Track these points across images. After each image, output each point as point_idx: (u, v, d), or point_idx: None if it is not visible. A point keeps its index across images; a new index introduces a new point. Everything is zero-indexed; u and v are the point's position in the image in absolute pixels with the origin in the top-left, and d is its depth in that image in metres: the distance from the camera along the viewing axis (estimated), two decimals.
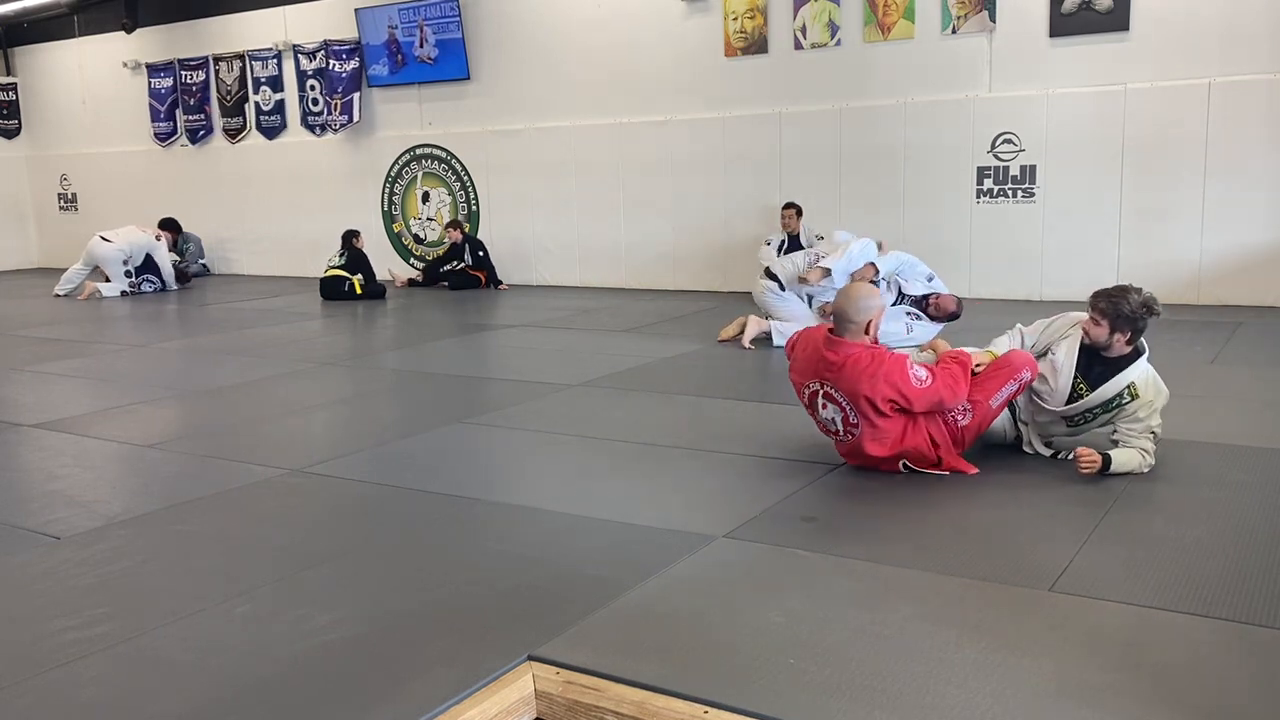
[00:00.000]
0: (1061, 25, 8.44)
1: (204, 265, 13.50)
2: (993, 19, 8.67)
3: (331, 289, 10.57)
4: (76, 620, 3.03)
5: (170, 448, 5.02)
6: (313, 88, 12.45)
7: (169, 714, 2.50)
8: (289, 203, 12.92)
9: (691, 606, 2.98)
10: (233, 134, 13.30)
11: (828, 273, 6.96)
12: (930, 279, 7.00)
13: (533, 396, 5.83)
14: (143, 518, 3.96)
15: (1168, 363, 5.09)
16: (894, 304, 6.92)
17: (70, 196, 15.12)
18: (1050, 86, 8.55)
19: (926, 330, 6.77)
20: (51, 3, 13.64)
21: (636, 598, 3.05)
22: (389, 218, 12.30)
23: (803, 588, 3.09)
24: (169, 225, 12.58)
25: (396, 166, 12.14)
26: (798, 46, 9.53)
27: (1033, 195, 8.71)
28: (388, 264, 11.75)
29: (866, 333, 4.02)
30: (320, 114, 12.45)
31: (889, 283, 6.95)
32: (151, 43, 13.75)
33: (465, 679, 2.59)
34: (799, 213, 9.14)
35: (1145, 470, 4.01)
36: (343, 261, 10.65)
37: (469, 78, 11.35)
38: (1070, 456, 4.22)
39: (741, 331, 7.22)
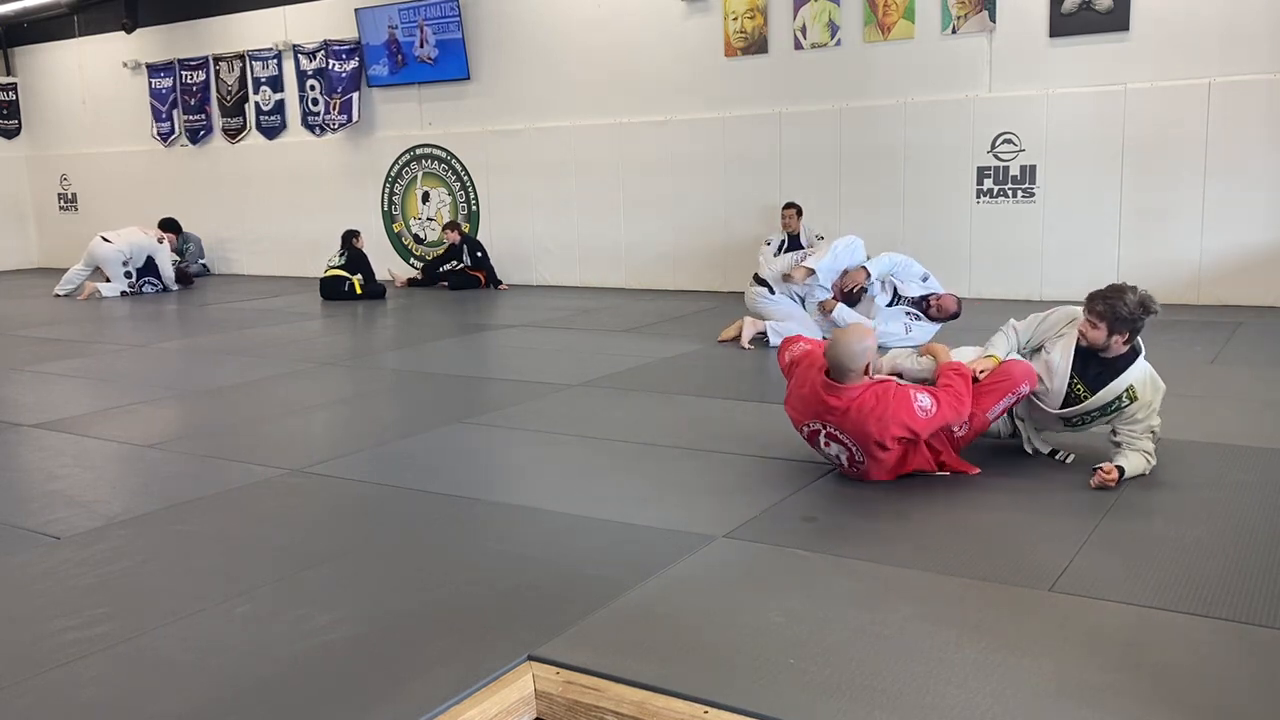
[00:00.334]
0: (1061, 25, 8.44)
1: (204, 265, 13.50)
2: (993, 19, 8.67)
3: (331, 289, 10.57)
4: (76, 620, 3.03)
5: (170, 448, 5.02)
6: (313, 88, 12.45)
7: (169, 714, 2.50)
8: (289, 203, 12.92)
9: (691, 606, 2.98)
10: (233, 134, 13.30)
11: (812, 271, 6.96)
12: (925, 278, 6.99)
13: (533, 396, 5.83)
14: (143, 518, 3.96)
15: (1167, 363, 5.08)
16: (890, 304, 6.92)
17: (70, 196, 15.12)
18: (1050, 86, 8.55)
19: (925, 331, 6.77)
20: (51, 3, 13.64)
21: (636, 598, 3.05)
22: (389, 218, 12.30)
23: (803, 588, 3.09)
24: (169, 226, 12.57)
25: (396, 166, 12.14)
26: (798, 46, 9.53)
27: (1033, 195, 8.71)
28: (388, 264, 11.76)
29: (866, 373, 3.94)
30: (320, 114, 12.45)
31: (884, 284, 6.95)
32: (151, 43, 13.75)
33: (465, 679, 2.59)
34: (799, 213, 9.13)
35: (1148, 471, 4.01)
36: (343, 261, 10.65)
37: (469, 78, 11.35)
38: (1069, 460, 4.22)
39: (741, 333, 7.22)
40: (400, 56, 11.66)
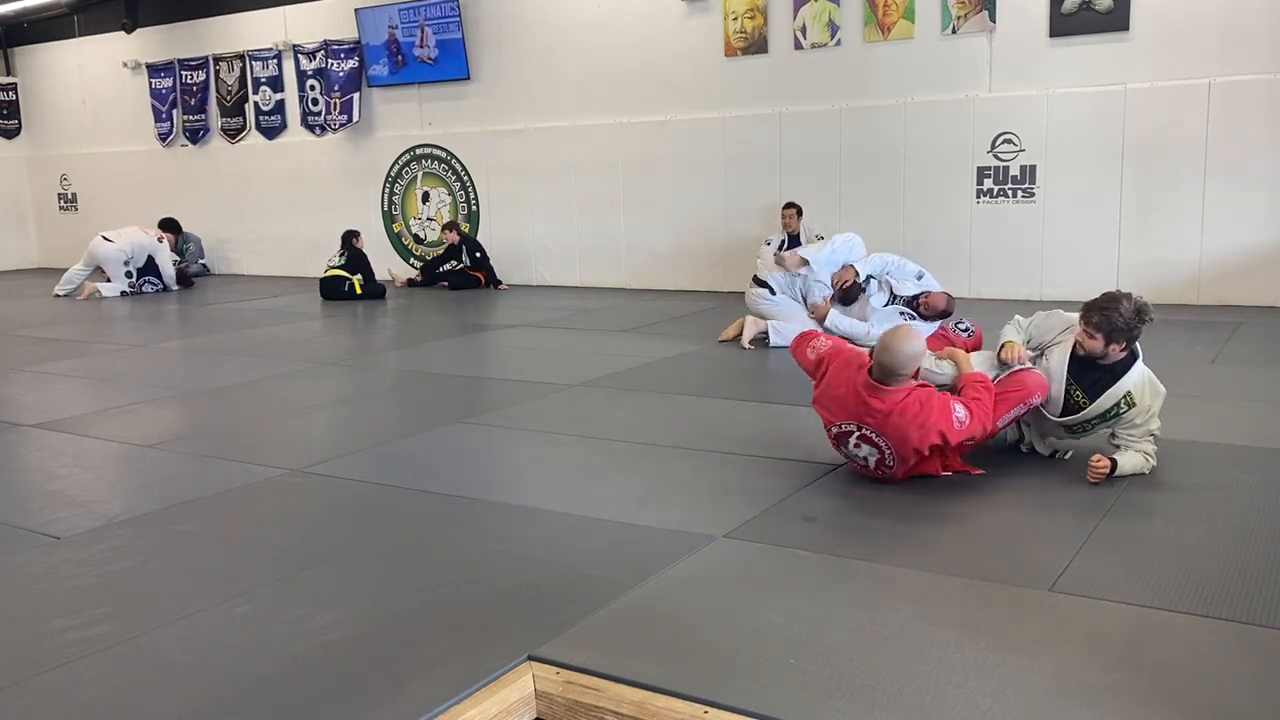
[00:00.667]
0: (1061, 25, 8.43)
1: (204, 265, 13.50)
2: (993, 19, 8.67)
3: (331, 289, 10.57)
4: (76, 620, 3.03)
5: (170, 448, 5.02)
6: (313, 88, 12.44)
7: (169, 714, 2.50)
8: (289, 203, 12.92)
9: (691, 606, 2.98)
10: (232, 134, 13.30)
11: (805, 261, 6.95)
12: (920, 277, 6.98)
13: (533, 396, 5.83)
14: (143, 518, 3.96)
15: (1167, 363, 5.09)
16: (886, 304, 6.92)
17: (70, 196, 15.12)
18: (1050, 86, 8.55)
19: (922, 330, 6.75)
20: (51, 3, 13.64)
21: (636, 598, 3.05)
22: (389, 218, 12.30)
23: (803, 588, 3.09)
24: (169, 226, 12.58)
25: (396, 166, 12.14)
26: (798, 46, 9.53)
27: (1033, 195, 8.71)
28: (387, 264, 11.75)
29: (915, 376, 3.88)
30: (320, 114, 12.45)
31: (880, 283, 6.95)
32: (151, 43, 13.75)
33: (465, 679, 2.59)
34: (799, 212, 9.13)
35: (1147, 471, 4.01)
36: (343, 261, 10.65)
37: (469, 78, 11.35)
38: (1068, 456, 4.22)
39: (741, 332, 7.22)
40: (400, 56, 11.66)
